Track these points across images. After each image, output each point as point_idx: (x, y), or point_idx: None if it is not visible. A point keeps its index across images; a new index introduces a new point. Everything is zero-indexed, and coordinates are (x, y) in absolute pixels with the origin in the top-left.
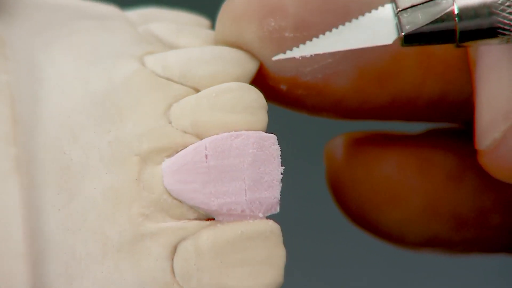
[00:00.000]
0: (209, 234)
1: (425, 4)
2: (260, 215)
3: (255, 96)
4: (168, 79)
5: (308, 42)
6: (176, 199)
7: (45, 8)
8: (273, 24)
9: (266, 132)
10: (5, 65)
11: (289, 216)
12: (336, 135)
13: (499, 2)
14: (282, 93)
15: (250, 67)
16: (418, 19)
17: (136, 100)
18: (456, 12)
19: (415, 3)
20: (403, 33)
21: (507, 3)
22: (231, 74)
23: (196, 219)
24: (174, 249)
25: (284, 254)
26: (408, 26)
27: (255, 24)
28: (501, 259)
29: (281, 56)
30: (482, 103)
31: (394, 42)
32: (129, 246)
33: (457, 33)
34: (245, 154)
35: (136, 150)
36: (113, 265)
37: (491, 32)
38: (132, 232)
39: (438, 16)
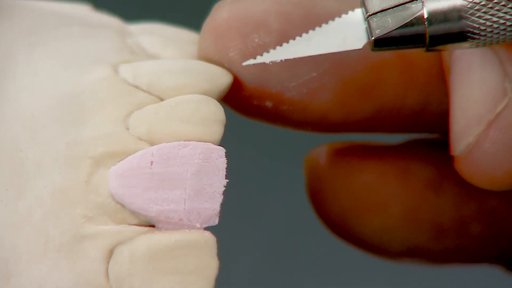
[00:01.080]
0: (144, 240)
1: (394, 8)
2: (198, 225)
3: (214, 109)
4: (136, 87)
5: (278, 48)
6: (119, 203)
7: (38, 13)
8: (257, 40)
9: (220, 145)
10: None
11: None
12: (316, 146)
13: (469, 6)
14: (267, 110)
15: (221, 81)
16: (388, 24)
17: (100, 104)
18: (425, 16)
19: (384, 8)
20: (373, 38)
21: (477, 7)
22: (198, 87)
23: (136, 225)
24: (111, 253)
25: (216, 266)
26: (378, 30)
27: (239, 41)
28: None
29: (251, 62)
30: (456, 109)
31: (364, 46)
32: (69, 247)
33: (427, 37)
34: (190, 164)
35: (91, 153)
36: (52, 265)
37: (461, 36)
38: (72, 233)
39: (408, 20)
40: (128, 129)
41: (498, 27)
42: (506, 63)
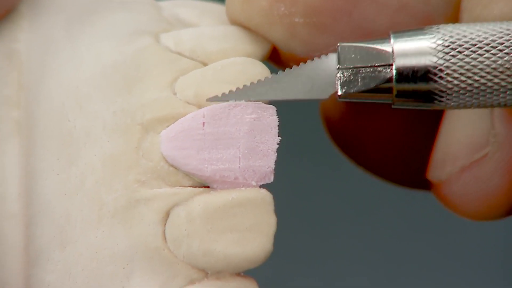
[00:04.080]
0: (200, 201)
1: (366, 68)
2: (253, 183)
3: (260, 70)
4: (179, 54)
5: (245, 87)
6: (172, 166)
7: None
8: (283, 9)
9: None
10: (19, 35)
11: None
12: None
13: (438, 68)
14: None
15: (262, 46)
16: (357, 83)
17: (144, 72)
18: (394, 76)
19: (356, 65)
20: (339, 94)
21: (444, 68)
22: (241, 50)
23: (191, 186)
24: (167, 215)
25: (274, 223)
26: (345, 88)
27: (265, 9)
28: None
29: (215, 99)
30: (440, 139)
31: (331, 96)
32: (123, 212)
33: (394, 97)
34: (242, 123)
35: (139, 120)
36: (107, 231)
37: (428, 97)
38: (127, 198)
39: (376, 85)
40: (175, 94)
41: (466, 87)
42: (496, 118)
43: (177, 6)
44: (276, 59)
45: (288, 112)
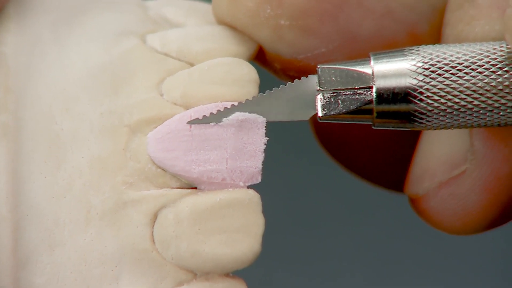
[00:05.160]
0: (188, 202)
1: (346, 91)
2: (241, 184)
3: (246, 70)
4: (166, 54)
5: (225, 109)
6: (159, 167)
7: None
8: (268, 11)
9: None
10: (6, 37)
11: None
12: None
13: (417, 91)
14: (277, 70)
15: (248, 46)
16: (338, 105)
17: (131, 73)
18: (374, 99)
19: (337, 88)
20: (319, 115)
21: (426, 94)
22: (227, 50)
23: (178, 187)
24: (155, 216)
25: (262, 223)
26: (325, 111)
27: (251, 10)
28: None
29: (196, 122)
30: (419, 154)
31: (311, 117)
32: (111, 214)
33: (374, 118)
34: (229, 124)
35: (126, 121)
36: (95, 233)
37: (408, 119)
38: (114, 200)
39: (356, 107)
40: (162, 95)
41: (445, 109)
42: (475, 136)
43: (164, 5)
44: (262, 59)
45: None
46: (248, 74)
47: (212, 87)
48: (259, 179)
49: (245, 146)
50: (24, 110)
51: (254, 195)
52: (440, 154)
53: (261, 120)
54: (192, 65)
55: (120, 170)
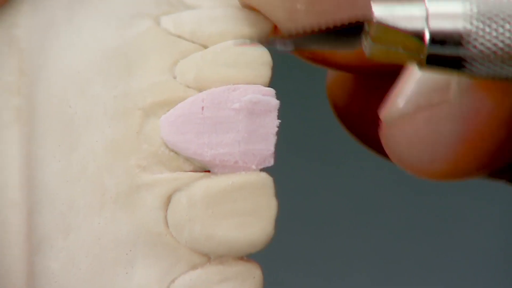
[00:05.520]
0: (201, 185)
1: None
2: (254, 167)
3: (260, 52)
4: (179, 36)
5: None
6: (172, 151)
7: None
8: None
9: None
10: (19, 20)
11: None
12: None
13: (472, 37)
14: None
15: (262, 27)
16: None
17: (145, 55)
18: (428, 40)
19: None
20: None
21: (480, 41)
22: (241, 32)
23: (192, 171)
24: (168, 200)
25: (275, 206)
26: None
27: None
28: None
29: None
30: (403, 77)
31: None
32: (125, 197)
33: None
34: (241, 106)
35: (140, 104)
36: (110, 216)
37: (458, 64)
38: (128, 183)
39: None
40: (175, 77)
41: (499, 57)
42: None
43: None
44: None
45: (290, 96)
46: (261, 56)
47: (225, 70)
48: (272, 162)
49: (258, 129)
50: (38, 93)
51: (266, 178)
52: (424, 78)
53: (274, 103)
54: (205, 47)
55: (133, 154)
